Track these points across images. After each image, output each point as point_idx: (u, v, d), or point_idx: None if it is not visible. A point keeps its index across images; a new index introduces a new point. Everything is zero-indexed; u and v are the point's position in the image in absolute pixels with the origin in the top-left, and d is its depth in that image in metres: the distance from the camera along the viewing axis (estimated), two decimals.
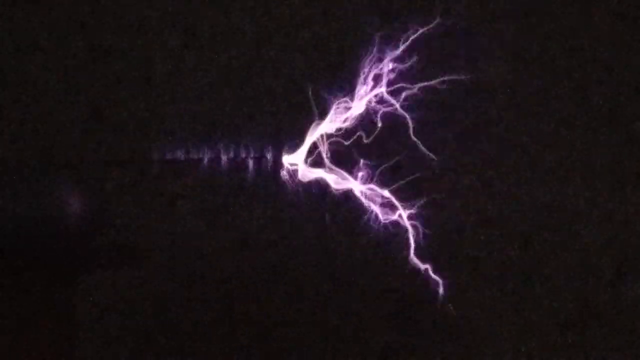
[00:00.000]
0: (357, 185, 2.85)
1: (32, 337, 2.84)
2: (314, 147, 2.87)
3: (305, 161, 2.87)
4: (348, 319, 2.93)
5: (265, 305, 2.93)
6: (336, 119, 2.85)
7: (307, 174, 2.86)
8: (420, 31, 2.89)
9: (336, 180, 2.86)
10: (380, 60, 2.87)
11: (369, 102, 2.86)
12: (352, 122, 2.87)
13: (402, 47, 2.88)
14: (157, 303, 2.92)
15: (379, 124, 2.88)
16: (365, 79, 2.86)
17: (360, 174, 2.87)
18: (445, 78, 2.89)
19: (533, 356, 2.94)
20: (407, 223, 2.87)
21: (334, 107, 2.86)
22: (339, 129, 2.87)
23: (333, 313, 2.93)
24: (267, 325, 2.93)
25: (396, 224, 2.88)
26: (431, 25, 2.91)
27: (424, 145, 2.88)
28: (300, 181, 2.88)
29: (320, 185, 2.89)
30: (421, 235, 2.89)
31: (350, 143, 2.88)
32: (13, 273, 2.86)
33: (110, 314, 2.92)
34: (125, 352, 2.92)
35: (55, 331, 2.87)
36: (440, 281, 2.91)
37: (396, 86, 2.87)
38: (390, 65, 2.86)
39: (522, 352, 2.93)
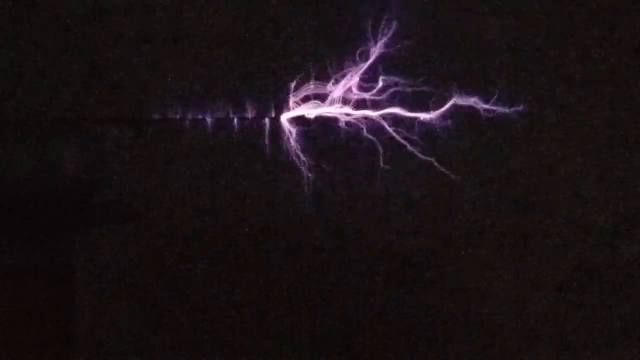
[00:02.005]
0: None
1: (30, 297, 2.84)
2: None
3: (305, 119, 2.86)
4: (347, 275, 2.94)
5: (264, 262, 2.93)
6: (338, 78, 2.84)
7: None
8: None
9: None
10: (379, 19, 2.86)
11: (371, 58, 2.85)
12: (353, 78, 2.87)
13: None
14: (155, 261, 2.92)
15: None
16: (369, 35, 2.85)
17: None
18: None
19: (530, 316, 2.94)
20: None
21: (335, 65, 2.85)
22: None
23: (332, 270, 2.94)
24: (265, 283, 2.93)
25: (395, 183, 2.89)
26: None
27: (421, 106, 2.88)
28: (298, 140, 2.87)
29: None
30: (419, 194, 2.90)
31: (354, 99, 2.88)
32: (10, 231, 2.85)
33: (108, 272, 2.92)
34: (123, 309, 2.92)
35: (53, 290, 2.87)
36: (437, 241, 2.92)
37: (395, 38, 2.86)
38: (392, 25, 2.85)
39: (519, 311, 2.94)
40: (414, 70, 2.89)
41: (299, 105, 2.83)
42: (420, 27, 2.93)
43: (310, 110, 2.79)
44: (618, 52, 2.94)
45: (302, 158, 2.87)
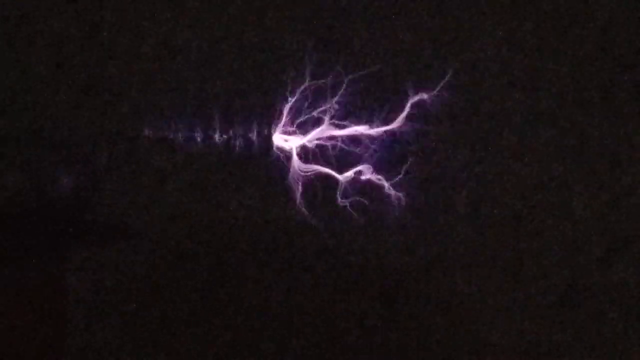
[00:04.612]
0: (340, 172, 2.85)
1: (23, 314, 2.84)
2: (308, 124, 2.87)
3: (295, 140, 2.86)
4: (339, 296, 2.94)
5: (255, 283, 2.93)
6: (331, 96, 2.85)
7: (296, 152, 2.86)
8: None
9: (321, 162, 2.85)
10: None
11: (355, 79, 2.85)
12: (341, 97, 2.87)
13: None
14: (146, 280, 2.92)
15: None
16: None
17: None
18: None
19: (523, 333, 2.94)
20: (395, 196, 2.87)
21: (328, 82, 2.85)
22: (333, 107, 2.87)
23: (324, 290, 2.93)
24: (257, 303, 2.93)
25: (384, 202, 2.88)
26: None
27: (415, 123, 2.88)
28: (290, 160, 2.87)
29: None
30: (410, 213, 2.89)
31: (346, 121, 2.88)
32: (2, 249, 2.85)
33: (100, 290, 2.92)
34: (115, 328, 2.92)
35: (45, 307, 2.87)
36: (429, 258, 2.92)
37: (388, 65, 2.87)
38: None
39: (512, 329, 2.94)
40: (407, 90, 2.89)
41: (292, 123, 2.84)
42: (415, 44, 2.93)
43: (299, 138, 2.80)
44: (610, 70, 2.94)
45: (295, 176, 2.88)
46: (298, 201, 2.86)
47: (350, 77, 2.87)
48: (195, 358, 2.93)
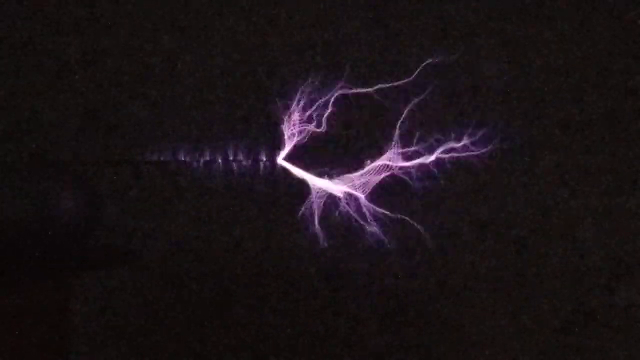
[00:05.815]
0: (345, 187, 2.84)
1: (25, 339, 2.82)
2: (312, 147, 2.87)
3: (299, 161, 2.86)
4: (343, 321, 2.92)
5: (259, 307, 2.92)
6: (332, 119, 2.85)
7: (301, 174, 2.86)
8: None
9: (323, 182, 2.85)
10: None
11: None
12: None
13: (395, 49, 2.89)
14: (150, 305, 2.90)
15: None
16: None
17: (348, 176, 2.86)
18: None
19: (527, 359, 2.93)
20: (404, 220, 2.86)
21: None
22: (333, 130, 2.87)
23: (328, 316, 2.92)
24: (261, 328, 2.91)
25: (390, 226, 2.88)
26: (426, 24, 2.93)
27: (418, 147, 2.88)
28: (295, 182, 2.87)
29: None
30: (414, 237, 2.89)
31: (343, 142, 2.89)
32: (4, 274, 2.83)
33: (103, 315, 2.90)
34: (119, 353, 2.90)
35: (48, 332, 2.85)
36: (433, 282, 2.91)
37: (389, 85, 2.88)
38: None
39: (516, 355, 2.92)
40: (410, 114, 2.90)
41: (295, 145, 2.84)
42: (416, 69, 2.94)
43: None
44: (613, 95, 2.95)
45: (298, 201, 2.87)
46: (301, 226, 2.86)
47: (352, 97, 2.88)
48: None
